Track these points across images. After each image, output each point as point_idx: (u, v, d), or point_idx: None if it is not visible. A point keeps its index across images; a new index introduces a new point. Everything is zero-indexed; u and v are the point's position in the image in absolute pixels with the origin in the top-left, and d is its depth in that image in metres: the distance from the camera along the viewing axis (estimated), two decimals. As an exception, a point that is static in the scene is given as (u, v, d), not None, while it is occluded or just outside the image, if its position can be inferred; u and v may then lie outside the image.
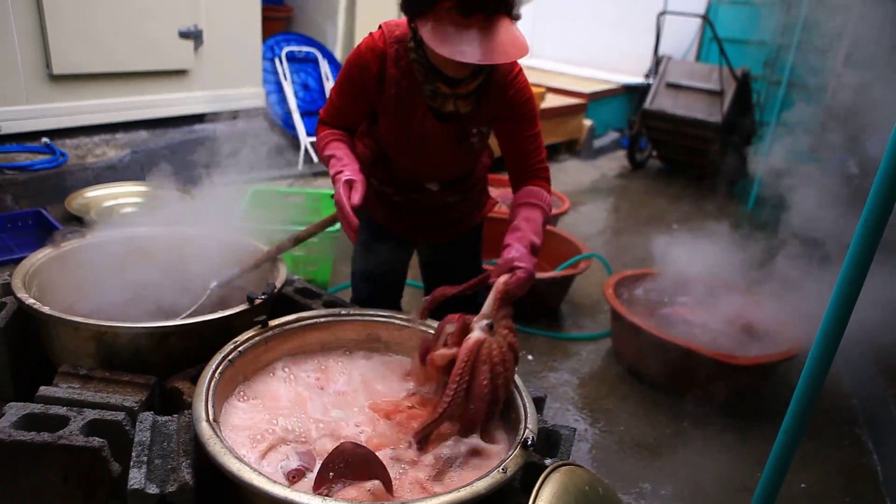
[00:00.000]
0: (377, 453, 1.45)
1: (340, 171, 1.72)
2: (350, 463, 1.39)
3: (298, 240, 2.09)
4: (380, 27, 1.82)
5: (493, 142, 2.00)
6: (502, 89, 1.80)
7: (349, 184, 1.68)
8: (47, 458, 1.39)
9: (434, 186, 2.02)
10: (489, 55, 1.50)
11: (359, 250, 2.28)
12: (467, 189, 2.10)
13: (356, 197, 1.66)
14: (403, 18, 1.71)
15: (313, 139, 5.30)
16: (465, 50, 1.50)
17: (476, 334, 1.53)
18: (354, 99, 1.86)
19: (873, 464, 2.68)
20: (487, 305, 1.58)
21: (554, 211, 4.58)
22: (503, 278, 1.61)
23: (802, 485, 2.52)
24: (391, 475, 1.41)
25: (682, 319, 3.24)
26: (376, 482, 1.36)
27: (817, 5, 5.69)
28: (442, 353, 1.55)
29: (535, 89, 6.96)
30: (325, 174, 5.10)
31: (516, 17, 1.61)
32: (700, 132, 6.23)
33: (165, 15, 4.33)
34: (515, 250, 1.68)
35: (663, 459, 2.56)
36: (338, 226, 2.50)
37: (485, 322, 1.55)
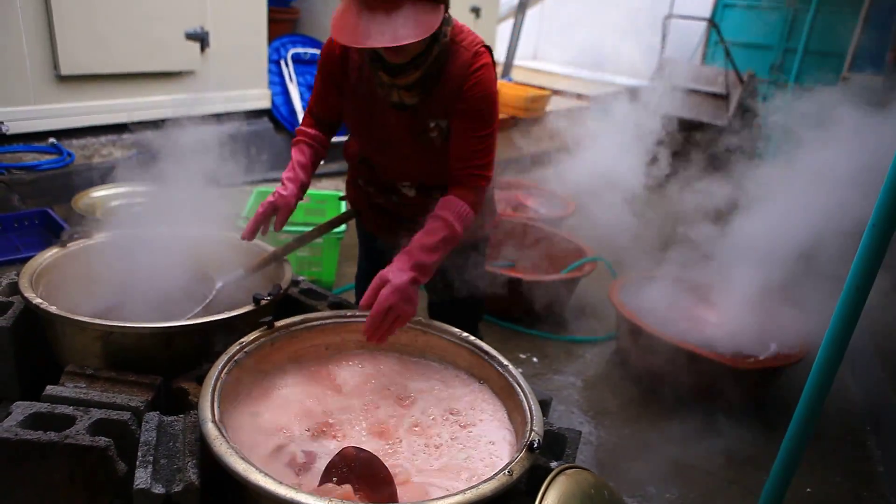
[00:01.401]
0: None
1: (283, 183, 1.86)
2: (353, 468, 1.39)
3: (303, 241, 2.09)
4: None
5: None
6: (459, 81, 1.71)
7: (273, 206, 1.82)
8: (53, 457, 1.39)
9: (410, 191, 1.97)
10: (361, 38, 1.52)
11: (360, 254, 2.30)
12: None
13: (277, 224, 1.85)
14: None
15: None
16: (343, 29, 1.54)
17: None
18: (326, 85, 1.91)
19: (879, 468, 2.67)
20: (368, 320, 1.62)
21: (559, 213, 4.58)
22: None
23: (808, 489, 2.51)
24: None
25: (687, 323, 3.23)
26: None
27: (823, 9, 5.68)
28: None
29: (539, 92, 6.92)
30: (330, 175, 5.11)
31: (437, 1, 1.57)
32: (706, 135, 6.22)
33: (172, 16, 4.34)
34: (392, 268, 1.63)
35: (668, 463, 2.56)
36: (343, 227, 2.51)
37: None
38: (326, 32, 1.65)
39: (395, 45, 1.51)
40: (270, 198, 1.84)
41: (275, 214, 1.85)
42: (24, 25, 3.72)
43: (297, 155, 1.95)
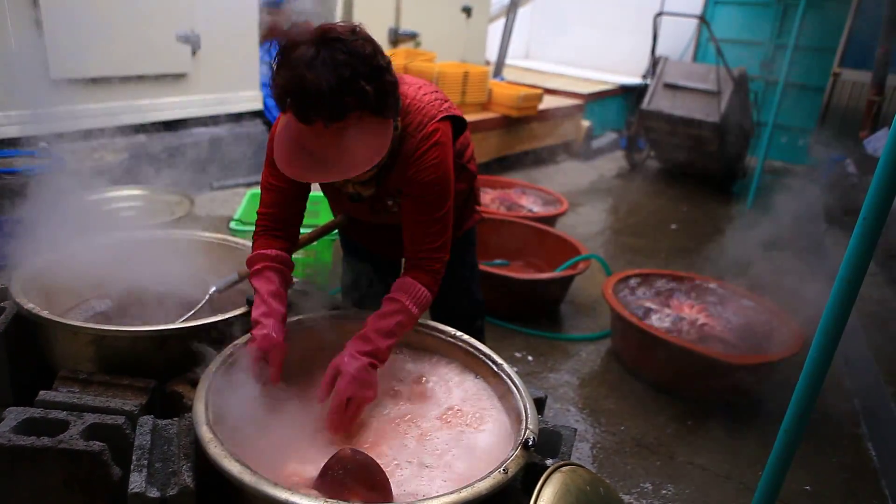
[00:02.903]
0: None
1: (258, 322, 1.60)
2: (349, 470, 1.39)
3: (298, 244, 2.08)
4: None
5: (478, 150, 1.94)
6: (405, 165, 1.64)
7: (260, 353, 1.57)
8: (47, 462, 1.39)
9: (395, 208, 1.88)
10: (310, 174, 1.45)
11: (344, 264, 2.28)
12: None
13: (273, 373, 1.59)
14: None
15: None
16: (290, 161, 1.44)
17: None
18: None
19: (873, 463, 2.68)
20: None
21: (552, 212, 4.58)
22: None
23: (807, 487, 2.52)
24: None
25: (681, 319, 3.24)
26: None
27: (813, 4, 5.71)
28: None
29: (531, 90, 6.89)
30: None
31: (380, 114, 1.44)
32: (698, 132, 6.24)
33: (163, 19, 4.32)
34: (345, 356, 1.58)
35: (664, 459, 2.56)
36: (337, 230, 2.50)
37: None
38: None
39: (345, 177, 1.46)
40: (251, 344, 1.59)
41: (265, 360, 1.60)
42: (14, 29, 3.70)
43: (264, 284, 1.68)
